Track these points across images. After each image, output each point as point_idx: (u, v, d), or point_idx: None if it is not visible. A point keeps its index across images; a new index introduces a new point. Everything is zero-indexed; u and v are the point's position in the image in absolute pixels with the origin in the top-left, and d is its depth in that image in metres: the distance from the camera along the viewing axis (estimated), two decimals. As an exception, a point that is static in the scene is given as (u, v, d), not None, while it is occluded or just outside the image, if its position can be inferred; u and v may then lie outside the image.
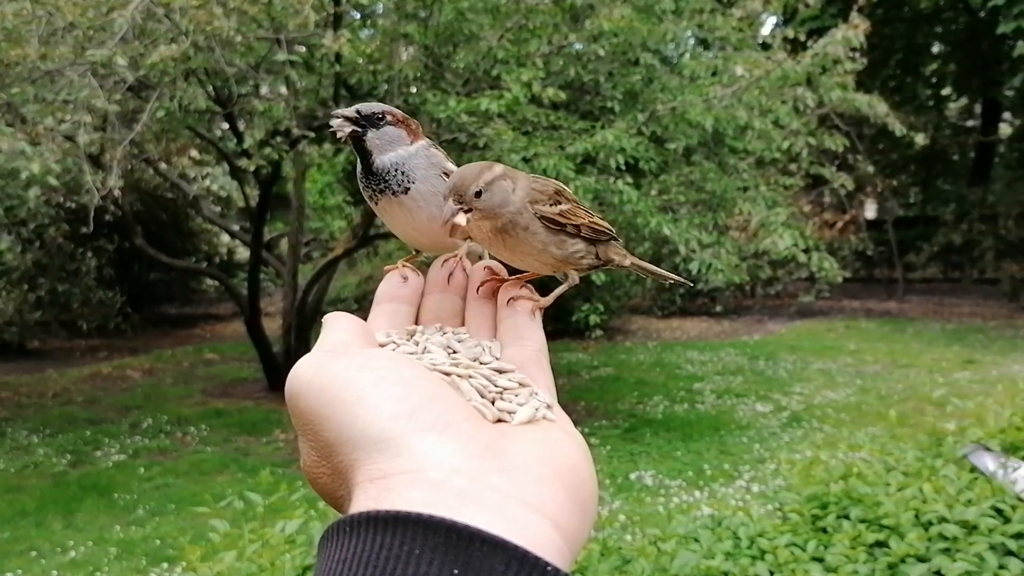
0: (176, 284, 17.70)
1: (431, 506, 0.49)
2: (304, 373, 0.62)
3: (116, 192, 6.56)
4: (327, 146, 8.56)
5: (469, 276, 0.81)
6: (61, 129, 6.62)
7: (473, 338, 0.72)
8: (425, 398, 0.58)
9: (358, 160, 0.87)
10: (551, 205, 0.81)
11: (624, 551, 2.95)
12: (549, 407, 0.64)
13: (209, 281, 18.11)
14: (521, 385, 0.65)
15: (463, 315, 0.79)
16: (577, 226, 0.83)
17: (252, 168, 7.73)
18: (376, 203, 0.86)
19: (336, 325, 0.69)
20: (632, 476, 6.97)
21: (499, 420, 0.61)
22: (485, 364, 0.67)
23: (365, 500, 0.52)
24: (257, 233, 10.25)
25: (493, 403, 0.62)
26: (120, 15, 6.15)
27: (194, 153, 13.96)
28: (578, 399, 9.66)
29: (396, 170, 0.84)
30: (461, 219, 0.75)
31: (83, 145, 6.33)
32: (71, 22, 6.34)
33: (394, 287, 0.78)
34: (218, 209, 16.52)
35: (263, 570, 2.65)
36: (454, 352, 0.69)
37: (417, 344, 0.70)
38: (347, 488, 0.56)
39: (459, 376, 0.63)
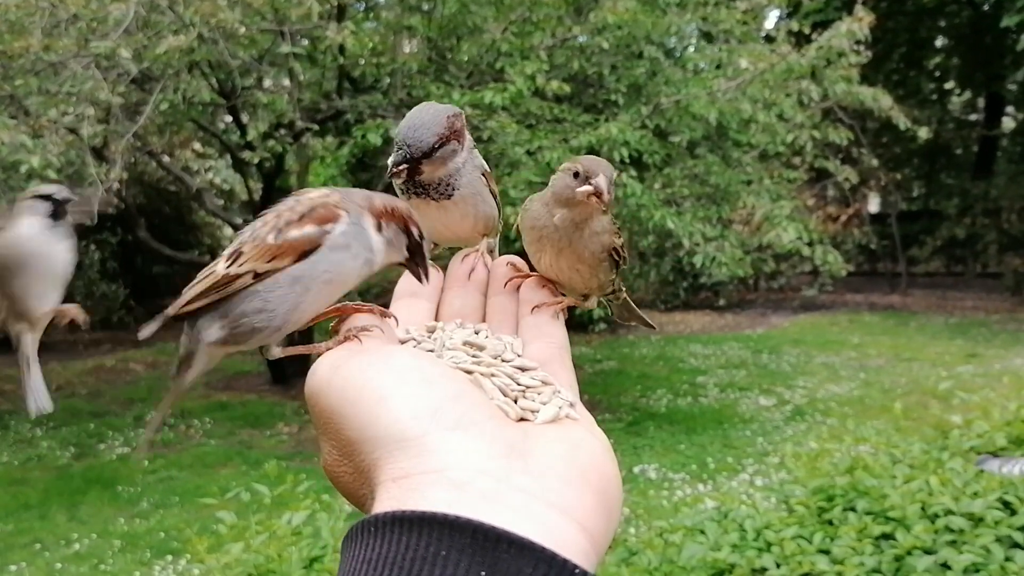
0: (179, 277, 17.61)
1: (455, 506, 0.49)
2: (324, 371, 0.60)
3: (115, 185, 6.54)
4: (330, 139, 8.54)
5: (491, 271, 0.79)
6: (64, 121, 6.59)
7: (495, 335, 0.71)
8: (447, 397, 0.56)
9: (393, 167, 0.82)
10: (618, 237, 0.85)
11: (630, 544, 2.95)
12: (572, 406, 0.62)
13: (212, 274, 18.08)
14: (544, 383, 0.63)
15: (483, 311, 0.77)
16: (622, 255, 0.86)
17: (255, 161, 7.72)
18: (409, 199, 0.83)
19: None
20: (636, 469, 6.97)
21: (522, 419, 0.60)
22: (507, 362, 0.66)
23: (388, 500, 0.51)
24: (260, 226, 10.21)
25: (516, 402, 0.61)
26: (118, 7, 6.13)
27: (197, 146, 13.92)
28: (581, 393, 9.40)
29: (442, 182, 0.81)
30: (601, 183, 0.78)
31: (87, 138, 6.32)
32: (74, 14, 6.31)
33: (413, 282, 0.77)
34: (221, 202, 16.44)
35: (270, 561, 2.65)
36: (476, 349, 0.67)
37: (437, 341, 0.68)
38: (369, 487, 0.55)
39: (481, 374, 0.62)
